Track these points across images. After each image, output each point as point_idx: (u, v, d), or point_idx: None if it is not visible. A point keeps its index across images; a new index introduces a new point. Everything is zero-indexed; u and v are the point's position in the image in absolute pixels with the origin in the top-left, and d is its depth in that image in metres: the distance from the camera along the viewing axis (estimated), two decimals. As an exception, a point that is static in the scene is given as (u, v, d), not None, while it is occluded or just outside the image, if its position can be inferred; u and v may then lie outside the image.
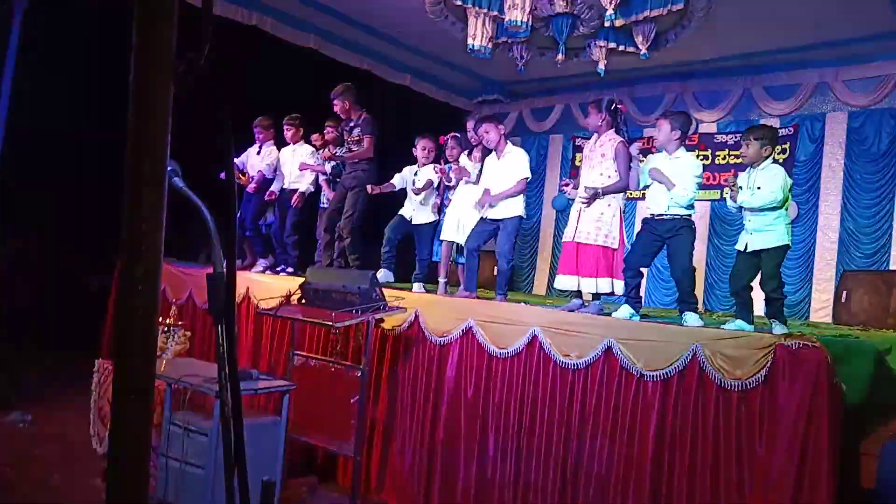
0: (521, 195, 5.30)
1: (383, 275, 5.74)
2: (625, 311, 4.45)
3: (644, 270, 4.63)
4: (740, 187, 4.27)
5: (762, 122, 7.96)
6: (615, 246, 4.68)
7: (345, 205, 6.18)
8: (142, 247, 0.79)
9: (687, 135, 4.66)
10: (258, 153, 6.82)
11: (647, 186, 4.68)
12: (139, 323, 0.78)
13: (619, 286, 4.68)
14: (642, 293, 4.75)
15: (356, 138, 6.18)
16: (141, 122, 0.78)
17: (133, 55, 0.77)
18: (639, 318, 4.45)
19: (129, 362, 0.78)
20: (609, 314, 4.49)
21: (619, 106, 4.92)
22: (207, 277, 1.36)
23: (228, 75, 1.03)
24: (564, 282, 4.81)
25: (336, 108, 6.23)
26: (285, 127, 6.74)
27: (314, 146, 6.85)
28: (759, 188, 4.20)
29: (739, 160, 8.16)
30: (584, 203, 4.75)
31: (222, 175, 1.23)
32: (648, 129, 8.51)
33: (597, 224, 4.67)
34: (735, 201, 4.31)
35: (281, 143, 6.86)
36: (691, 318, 4.31)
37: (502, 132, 5.42)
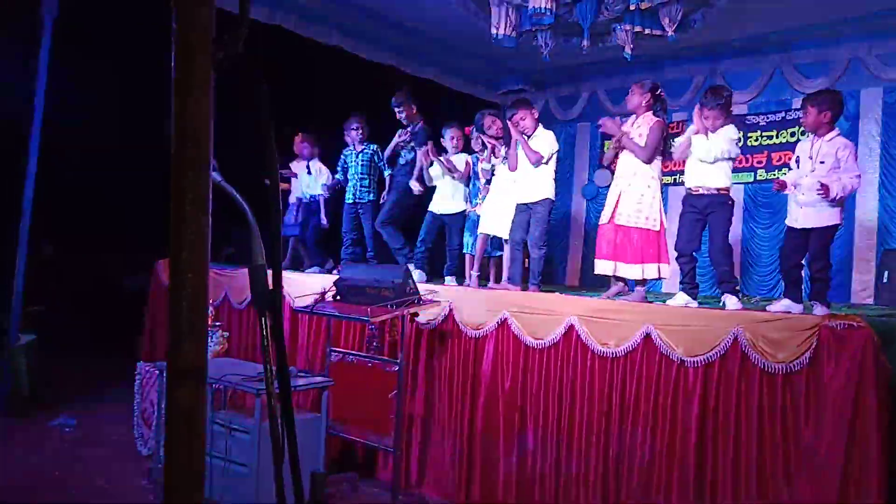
0: (550, 176, 5.26)
1: (417, 276, 5.77)
2: (681, 298, 4.40)
3: (695, 255, 4.56)
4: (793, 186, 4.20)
5: (795, 100, 7.82)
6: (657, 228, 4.63)
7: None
8: (188, 233, 0.79)
9: (729, 111, 4.58)
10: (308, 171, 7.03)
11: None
12: (189, 305, 0.78)
13: (666, 269, 4.63)
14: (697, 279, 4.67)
15: (411, 146, 6.27)
16: (183, 107, 0.77)
17: (173, 37, 0.76)
18: (696, 304, 4.39)
19: (181, 344, 0.77)
20: (653, 301, 4.45)
21: (661, 92, 4.89)
22: (249, 270, 1.36)
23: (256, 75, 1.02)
24: (602, 266, 4.76)
25: (401, 116, 6.32)
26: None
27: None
28: (822, 162, 4.09)
29: (772, 141, 8.07)
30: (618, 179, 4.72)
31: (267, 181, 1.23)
32: (677, 114, 8.38)
33: (637, 206, 4.62)
34: (786, 191, 4.25)
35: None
36: (731, 302, 4.24)
37: (536, 116, 5.39)
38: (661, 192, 4.83)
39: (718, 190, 4.39)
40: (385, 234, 6.25)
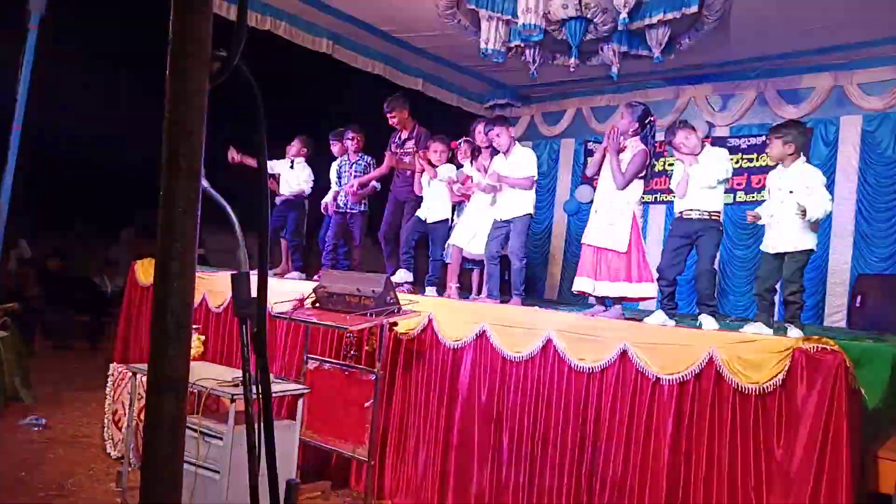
0: (531, 193, 5.34)
1: (403, 275, 5.81)
2: (658, 317, 4.44)
3: (676, 279, 4.61)
4: (759, 216, 4.29)
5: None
6: (623, 249, 4.65)
7: (404, 216, 6.34)
8: (177, 240, 0.79)
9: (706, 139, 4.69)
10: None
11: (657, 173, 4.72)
12: (175, 314, 0.78)
13: (638, 289, 4.66)
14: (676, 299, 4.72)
15: (410, 150, 6.25)
16: (177, 115, 0.78)
17: (169, 46, 0.77)
18: (673, 324, 4.43)
19: (165, 352, 0.77)
20: (634, 319, 4.49)
21: (652, 118, 4.93)
22: (233, 277, 1.37)
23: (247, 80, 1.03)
24: (578, 283, 4.82)
25: (393, 121, 6.32)
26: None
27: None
28: (791, 192, 4.16)
29: (752, 164, 8.18)
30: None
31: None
32: (660, 134, 8.47)
33: (610, 226, 4.68)
34: (760, 221, 4.33)
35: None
36: (708, 322, 4.29)
37: (512, 135, 5.50)
38: (643, 213, 4.88)
39: (710, 214, 4.45)
40: (388, 246, 6.29)
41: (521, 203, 5.31)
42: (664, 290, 4.55)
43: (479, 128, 6.06)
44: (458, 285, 5.83)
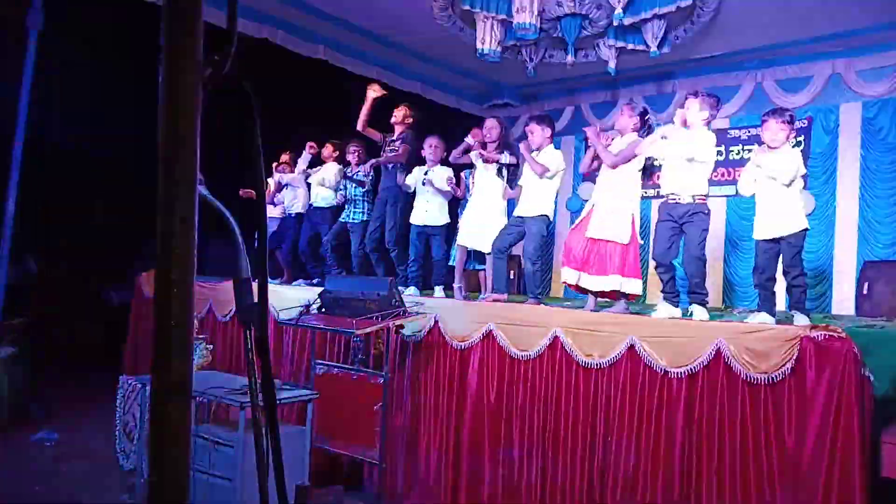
0: (550, 194, 5.27)
1: (413, 291, 5.79)
2: (664, 309, 4.41)
3: (675, 264, 4.58)
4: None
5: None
6: (625, 241, 4.65)
7: (385, 217, 6.26)
8: (175, 248, 0.80)
9: (714, 117, 4.65)
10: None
11: (658, 167, 4.69)
12: (176, 321, 0.79)
13: (631, 285, 4.65)
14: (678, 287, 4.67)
15: (396, 150, 6.24)
16: (171, 123, 0.79)
17: (162, 54, 0.78)
18: (679, 314, 4.41)
19: (168, 360, 0.78)
20: (637, 313, 4.47)
21: (650, 117, 4.96)
22: (234, 283, 1.37)
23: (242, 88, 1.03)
24: (567, 275, 4.79)
25: (395, 118, 6.32)
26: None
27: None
28: (773, 179, 4.17)
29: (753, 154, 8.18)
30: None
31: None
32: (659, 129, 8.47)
33: (612, 218, 4.66)
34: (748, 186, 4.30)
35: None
36: (699, 312, 4.28)
37: (547, 135, 5.34)
38: (642, 209, 4.87)
39: (695, 198, 4.40)
40: (395, 253, 6.27)
41: (540, 202, 5.23)
42: (663, 277, 4.51)
43: (489, 123, 5.98)
44: (461, 286, 5.81)
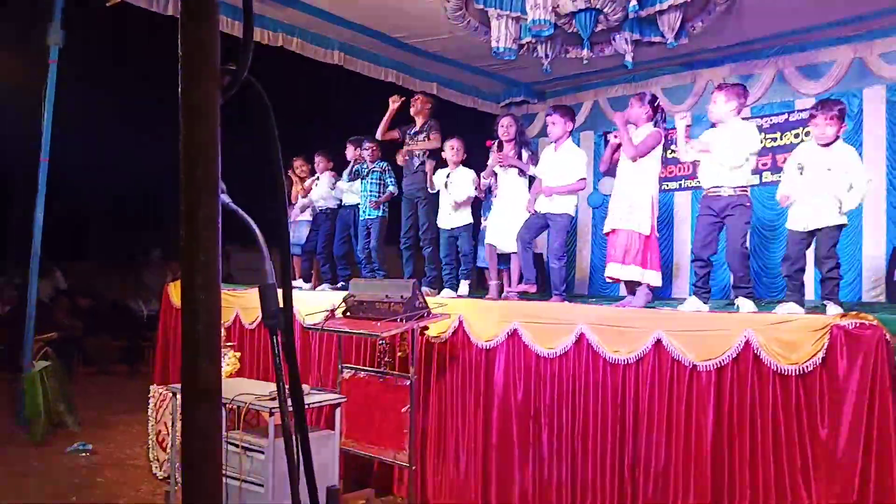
0: (575, 195, 5.28)
1: (448, 293, 5.82)
2: (692, 304, 4.38)
3: (711, 259, 4.55)
4: (800, 166, 4.16)
5: (798, 102, 7.84)
6: (646, 232, 4.63)
7: (419, 217, 6.32)
8: (200, 253, 0.81)
9: (744, 106, 4.61)
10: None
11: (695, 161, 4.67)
12: (203, 326, 0.79)
13: (650, 276, 4.64)
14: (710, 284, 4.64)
15: (420, 142, 6.27)
16: (191, 131, 0.79)
17: (180, 63, 0.78)
18: (707, 309, 4.37)
19: (196, 365, 0.79)
20: (663, 307, 4.45)
21: (660, 103, 4.96)
22: (259, 289, 1.38)
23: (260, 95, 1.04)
24: (610, 269, 4.84)
25: (412, 109, 6.39)
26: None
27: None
28: (829, 170, 4.08)
29: (776, 143, 8.07)
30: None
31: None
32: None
33: (628, 209, 4.67)
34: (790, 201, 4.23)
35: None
36: (746, 305, 4.23)
37: (568, 129, 5.35)
38: (666, 199, 4.84)
39: (736, 190, 4.36)
40: (430, 252, 6.31)
41: (563, 202, 5.22)
42: (699, 271, 4.48)
43: (504, 122, 5.98)
44: (499, 282, 5.81)
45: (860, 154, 7.67)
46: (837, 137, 4.15)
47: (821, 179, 4.09)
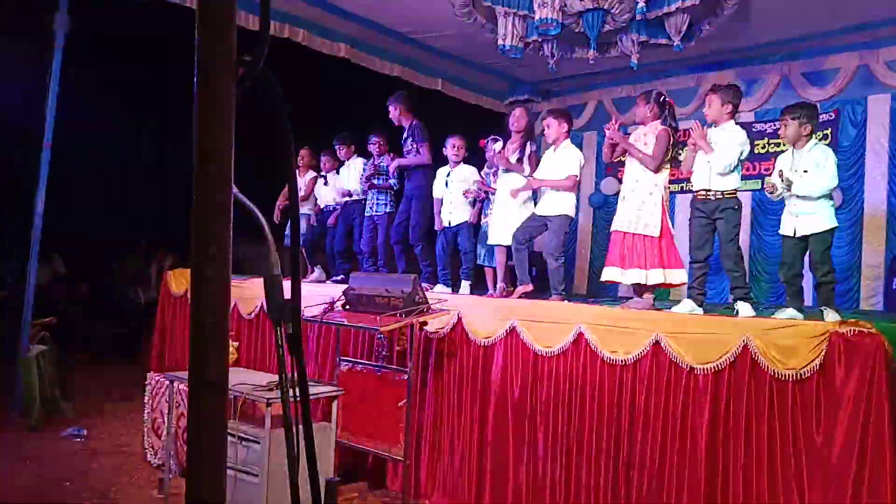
0: (571, 195, 5.28)
1: (442, 289, 5.83)
2: (686, 305, 4.39)
3: (708, 261, 4.55)
4: (788, 182, 4.16)
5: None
6: (656, 234, 4.63)
7: (410, 213, 6.29)
8: (211, 244, 0.81)
9: (738, 107, 4.60)
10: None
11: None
12: (213, 317, 0.80)
13: (673, 275, 4.64)
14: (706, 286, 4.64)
15: (409, 148, 6.26)
16: (205, 124, 0.80)
17: (196, 57, 0.79)
18: (701, 312, 4.38)
19: (205, 355, 0.79)
20: (662, 309, 4.45)
21: (667, 99, 4.91)
22: (265, 280, 1.38)
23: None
24: (607, 273, 4.80)
25: (390, 115, 6.33)
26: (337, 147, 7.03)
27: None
28: (805, 171, 4.11)
29: (778, 148, 8.07)
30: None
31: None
32: (683, 123, 8.39)
33: (637, 212, 4.65)
34: (778, 191, 4.21)
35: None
36: (745, 309, 4.23)
37: (564, 130, 5.36)
38: (670, 201, 4.84)
39: (724, 193, 4.37)
40: (420, 249, 6.31)
41: (560, 203, 5.23)
42: (695, 273, 4.49)
43: (516, 112, 5.96)
44: (504, 284, 5.80)
45: (862, 162, 7.72)
46: (808, 138, 4.18)
47: (798, 183, 4.12)
